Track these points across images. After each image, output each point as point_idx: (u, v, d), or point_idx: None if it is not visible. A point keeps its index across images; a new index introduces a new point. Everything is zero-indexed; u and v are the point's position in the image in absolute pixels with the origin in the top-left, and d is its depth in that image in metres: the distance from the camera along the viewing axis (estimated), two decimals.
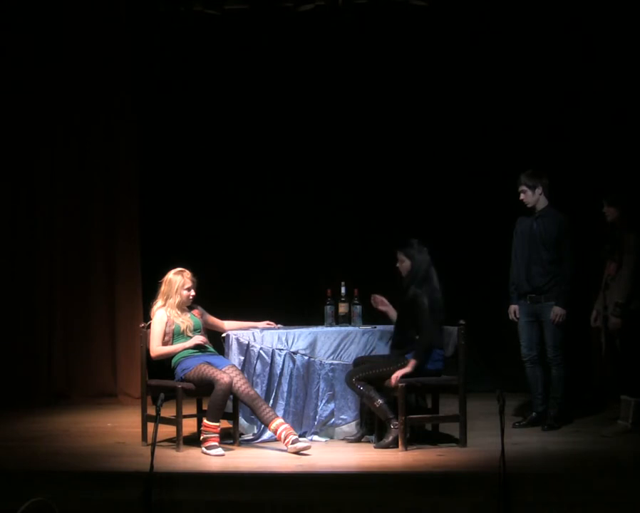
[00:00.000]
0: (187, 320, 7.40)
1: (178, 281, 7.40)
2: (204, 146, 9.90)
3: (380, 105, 9.74)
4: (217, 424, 7.08)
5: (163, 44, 9.72)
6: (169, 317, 7.37)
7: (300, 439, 7.13)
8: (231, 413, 7.36)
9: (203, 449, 7.03)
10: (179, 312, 7.40)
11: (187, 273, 7.45)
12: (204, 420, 7.11)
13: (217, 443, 7.03)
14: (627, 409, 7.45)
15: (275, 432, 7.09)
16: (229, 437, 7.34)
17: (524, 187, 7.95)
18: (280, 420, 7.13)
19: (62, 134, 9.65)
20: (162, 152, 9.83)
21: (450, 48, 9.55)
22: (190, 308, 7.50)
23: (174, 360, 7.36)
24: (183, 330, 7.36)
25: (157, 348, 7.34)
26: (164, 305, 7.40)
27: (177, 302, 7.38)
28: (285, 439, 7.01)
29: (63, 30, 9.57)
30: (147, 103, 9.71)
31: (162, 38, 9.71)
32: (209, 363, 7.24)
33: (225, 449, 7.08)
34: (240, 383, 7.18)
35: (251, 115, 9.84)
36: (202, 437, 7.09)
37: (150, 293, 9.17)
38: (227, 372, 7.17)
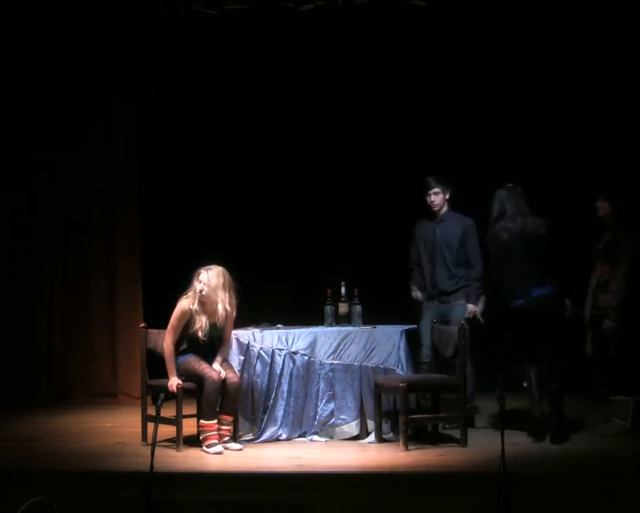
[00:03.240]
0: (205, 325, 7.24)
1: (197, 274, 7.30)
2: (205, 146, 9.90)
3: (380, 105, 9.74)
4: (214, 421, 7.09)
5: (163, 44, 9.72)
6: (192, 312, 7.23)
7: (232, 442, 7.22)
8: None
9: (204, 448, 7.05)
10: (199, 308, 7.23)
11: (215, 269, 7.30)
12: (201, 420, 7.13)
13: (216, 441, 7.05)
14: (626, 409, 7.45)
15: (218, 422, 7.13)
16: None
17: (437, 190, 8.13)
18: (230, 422, 7.20)
19: (62, 134, 9.65)
20: (162, 152, 9.83)
21: (450, 48, 9.55)
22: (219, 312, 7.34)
23: None
24: (195, 331, 7.24)
25: (169, 344, 7.26)
26: (188, 296, 7.30)
27: (193, 293, 7.28)
28: (221, 437, 7.13)
29: (63, 30, 9.58)
30: (148, 103, 9.71)
31: (162, 38, 9.71)
32: (199, 358, 7.25)
33: (225, 448, 7.12)
34: (230, 374, 7.20)
35: (252, 114, 9.83)
36: (201, 437, 7.11)
37: (150, 292, 9.21)
38: (215, 367, 7.18)
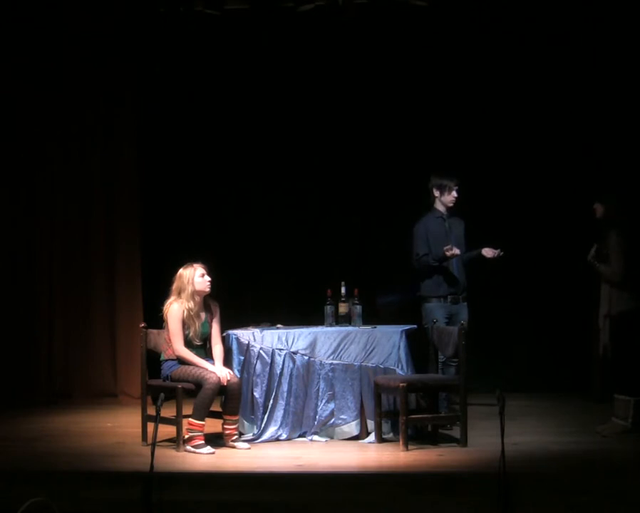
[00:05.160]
0: (198, 327, 7.31)
1: (189, 271, 7.32)
2: (205, 146, 9.90)
3: (379, 105, 9.74)
4: (203, 423, 7.10)
5: (163, 44, 9.72)
6: (184, 316, 7.26)
7: (240, 441, 7.28)
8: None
9: (189, 448, 7.05)
10: (194, 307, 7.27)
11: (198, 264, 7.38)
12: (190, 419, 7.10)
13: (203, 441, 7.06)
14: (626, 408, 7.44)
15: (224, 423, 7.21)
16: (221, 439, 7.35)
17: (458, 187, 8.06)
18: (235, 421, 7.24)
19: (62, 134, 9.65)
20: (163, 152, 9.83)
21: (450, 48, 9.55)
22: (207, 307, 7.40)
23: (162, 357, 7.38)
24: (191, 338, 7.29)
25: (181, 348, 7.25)
26: (178, 298, 7.30)
27: (190, 292, 7.28)
28: (229, 436, 7.20)
29: (63, 31, 9.57)
30: (148, 103, 9.71)
31: (162, 39, 9.71)
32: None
33: (233, 447, 7.17)
34: (232, 376, 7.22)
35: (252, 114, 9.84)
36: (186, 436, 7.10)
37: (150, 293, 9.21)
38: (215, 372, 7.17)
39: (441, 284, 8.02)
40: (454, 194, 8.07)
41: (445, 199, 8.09)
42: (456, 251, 7.84)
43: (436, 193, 8.12)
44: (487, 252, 8.04)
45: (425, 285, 8.07)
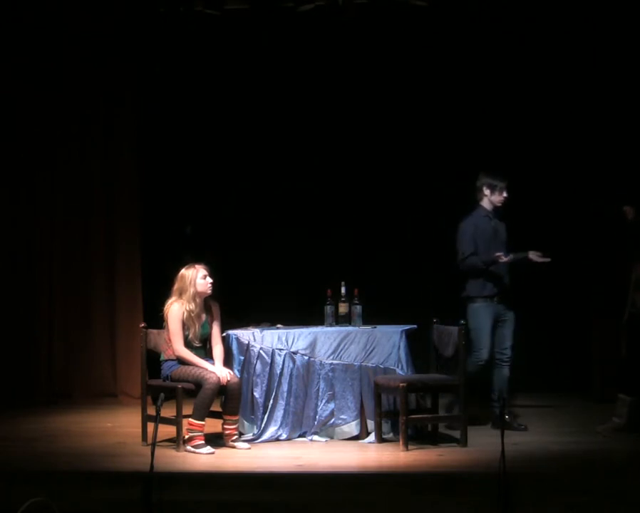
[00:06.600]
0: (198, 328, 7.29)
1: (191, 273, 7.30)
2: (205, 146, 9.90)
3: (379, 105, 9.74)
4: (203, 423, 7.10)
5: (163, 44, 9.72)
6: (184, 317, 7.25)
7: (241, 441, 7.29)
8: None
9: (189, 448, 7.05)
10: (195, 309, 7.26)
11: (200, 265, 7.37)
12: (190, 419, 7.10)
13: (203, 441, 7.06)
14: (622, 407, 7.46)
15: (224, 423, 7.22)
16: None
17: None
18: (235, 421, 7.24)
19: (62, 134, 9.66)
20: (163, 152, 9.84)
21: (450, 48, 9.55)
22: (207, 309, 7.41)
23: (162, 357, 7.38)
24: (191, 339, 7.29)
25: (181, 348, 7.24)
26: (179, 299, 7.28)
27: (192, 294, 7.26)
28: (229, 436, 7.20)
29: (63, 31, 9.57)
30: (148, 103, 9.71)
31: (162, 39, 9.71)
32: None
33: (233, 447, 7.18)
34: (232, 376, 7.22)
35: (252, 114, 9.84)
36: (187, 436, 7.10)
37: (150, 293, 9.22)
38: (215, 372, 7.16)
39: (486, 284, 7.85)
40: (504, 194, 7.96)
41: (495, 198, 7.93)
42: (510, 257, 7.77)
43: (486, 192, 7.94)
44: (535, 256, 7.89)
45: (470, 285, 7.88)
